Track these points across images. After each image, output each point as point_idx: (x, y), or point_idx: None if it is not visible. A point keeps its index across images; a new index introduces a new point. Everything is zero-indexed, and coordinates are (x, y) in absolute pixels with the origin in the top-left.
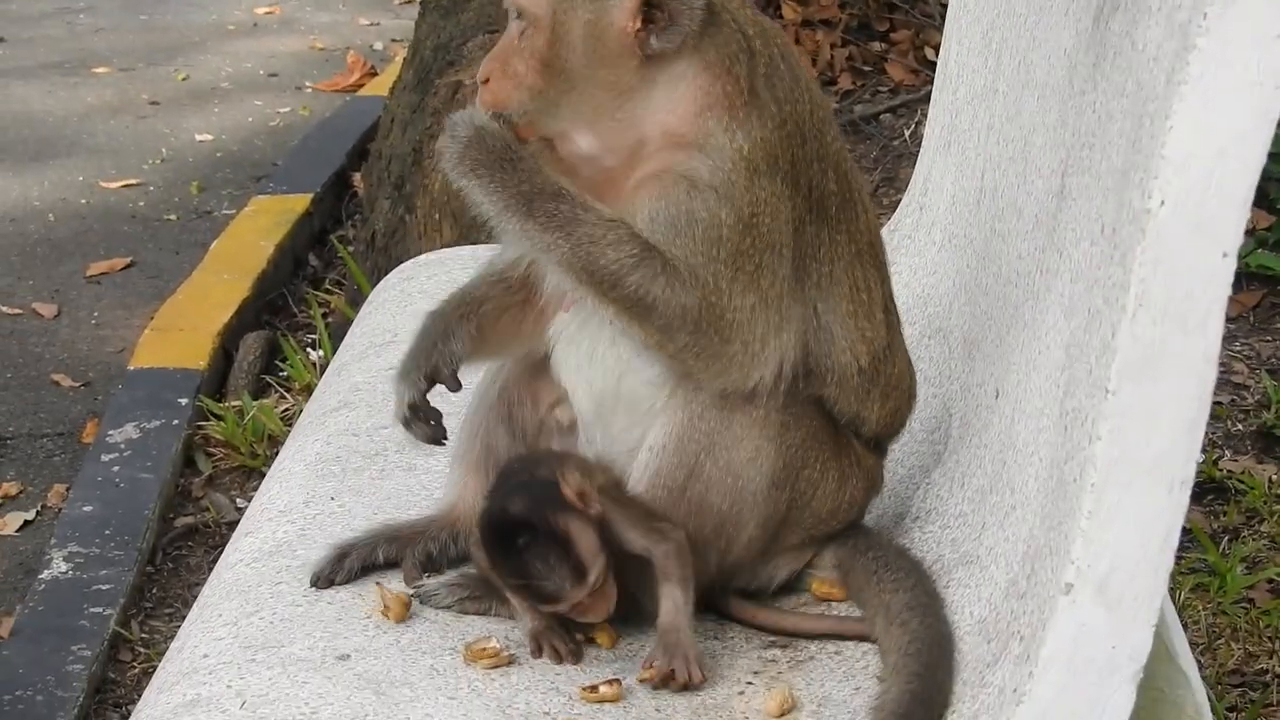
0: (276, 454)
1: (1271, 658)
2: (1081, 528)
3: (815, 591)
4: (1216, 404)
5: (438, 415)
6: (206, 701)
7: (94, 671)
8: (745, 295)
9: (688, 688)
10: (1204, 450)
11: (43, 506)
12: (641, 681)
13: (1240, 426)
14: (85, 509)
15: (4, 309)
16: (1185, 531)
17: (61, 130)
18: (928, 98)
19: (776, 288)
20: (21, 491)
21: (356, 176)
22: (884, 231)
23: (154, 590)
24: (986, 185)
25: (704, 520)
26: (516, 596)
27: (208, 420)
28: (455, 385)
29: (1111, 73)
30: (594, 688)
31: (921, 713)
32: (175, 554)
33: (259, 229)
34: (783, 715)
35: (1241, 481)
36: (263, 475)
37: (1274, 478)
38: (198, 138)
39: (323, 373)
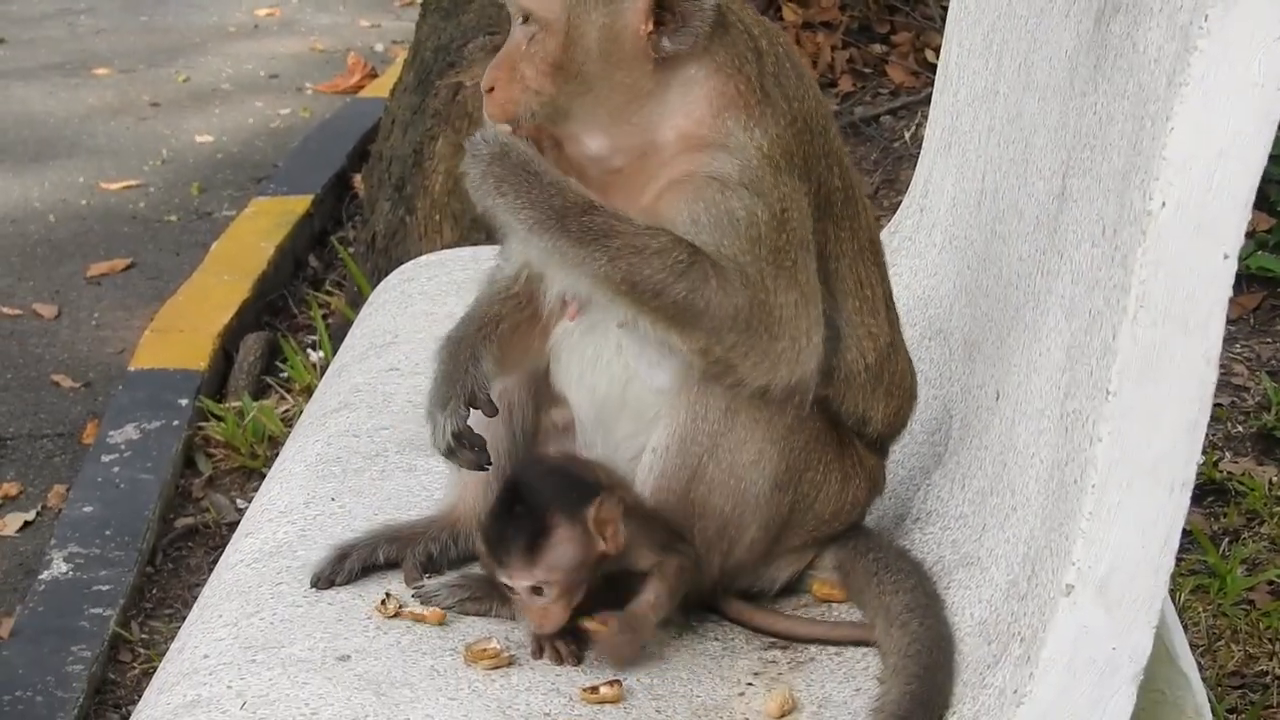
0: (277, 455)
1: (1272, 659)
2: (1082, 529)
3: (816, 593)
4: (1217, 406)
5: (482, 442)
6: (207, 702)
7: (94, 672)
8: (789, 291)
9: (619, 664)
10: (1204, 452)
11: (43, 507)
12: (585, 628)
13: (1240, 428)
14: (85, 510)
15: (4, 309)
16: (1185, 533)
17: (62, 131)
18: (928, 100)
19: (812, 283)
20: (21, 492)
21: (357, 178)
22: (885, 234)
23: (154, 591)
24: (987, 187)
25: (707, 522)
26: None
27: (208, 421)
28: (492, 409)
29: (1112, 74)
30: (594, 688)
31: (921, 714)
32: (175, 555)
33: (259, 230)
34: (783, 716)
35: (1242, 483)
36: (263, 476)
37: (1274, 480)
38: (198, 139)
39: (323, 374)
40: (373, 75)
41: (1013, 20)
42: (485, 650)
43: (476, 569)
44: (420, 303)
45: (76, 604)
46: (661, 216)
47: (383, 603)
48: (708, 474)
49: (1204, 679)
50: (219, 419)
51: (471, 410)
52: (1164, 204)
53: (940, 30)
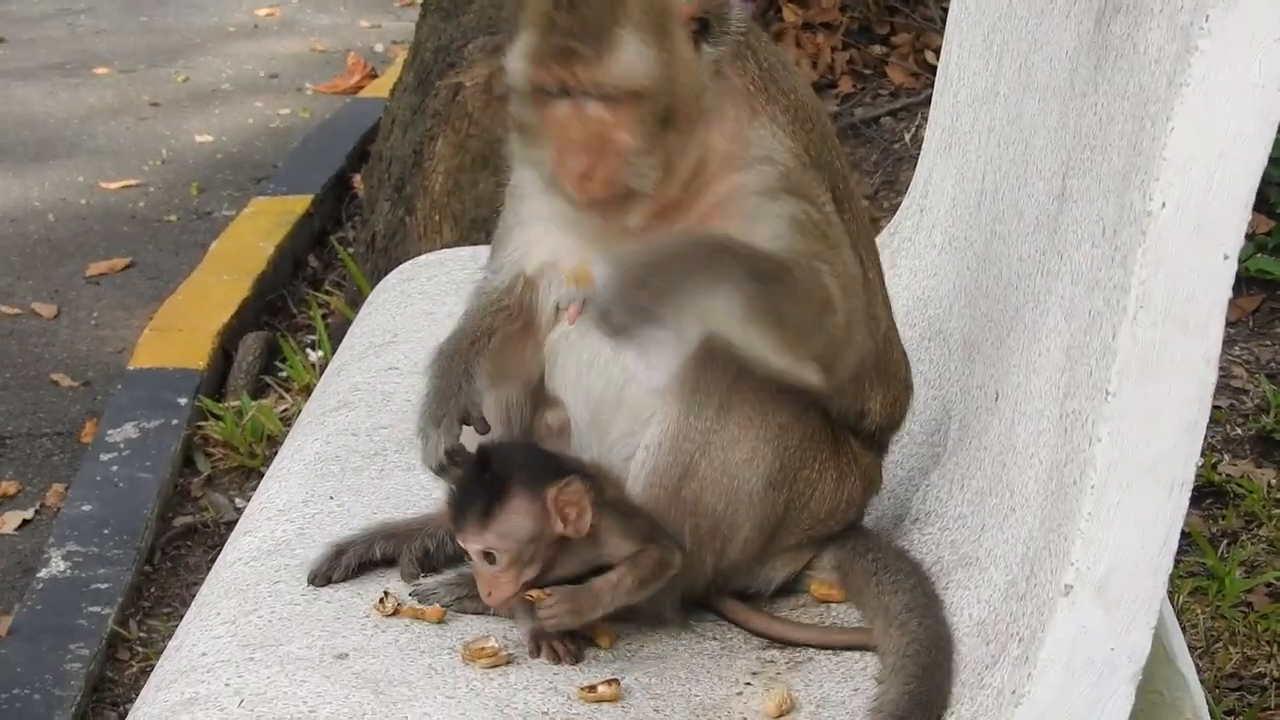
0: (275, 454)
1: (1269, 661)
2: (1081, 529)
3: (814, 593)
4: (1215, 408)
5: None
6: (205, 700)
7: (92, 670)
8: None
9: (547, 626)
10: (1203, 454)
11: (41, 505)
12: (529, 597)
13: (1239, 431)
14: (84, 508)
15: (4, 309)
16: (1184, 535)
17: (62, 131)
18: (928, 101)
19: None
20: (20, 490)
21: (356, 178)
22: (884, 234)
23: (152, 589)
24: (987, 188)
25: (699, 520)
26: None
27: (207, 420)
28: (485, 427)
29: (1113, 75)
30: (592, 687)
31: (920, 714)
32: (174, 553)
33: (259, 230)
34: (781, 716)
35: (1240, 485)
36: (261, 475)
37: (1273, 482)
38: (198, 139)
39: (322, 373)
40: (373, 75)
41: (1013, 21)
42: (483, 649)
43: None
44: (420, 302)
45: (75, 602)
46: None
47: (381, 601)
48: (700, 471)
49: (1202, 680)
50: (218, 418)
51: (464, 428)
52: (1164, 204)
53: (940, 31)
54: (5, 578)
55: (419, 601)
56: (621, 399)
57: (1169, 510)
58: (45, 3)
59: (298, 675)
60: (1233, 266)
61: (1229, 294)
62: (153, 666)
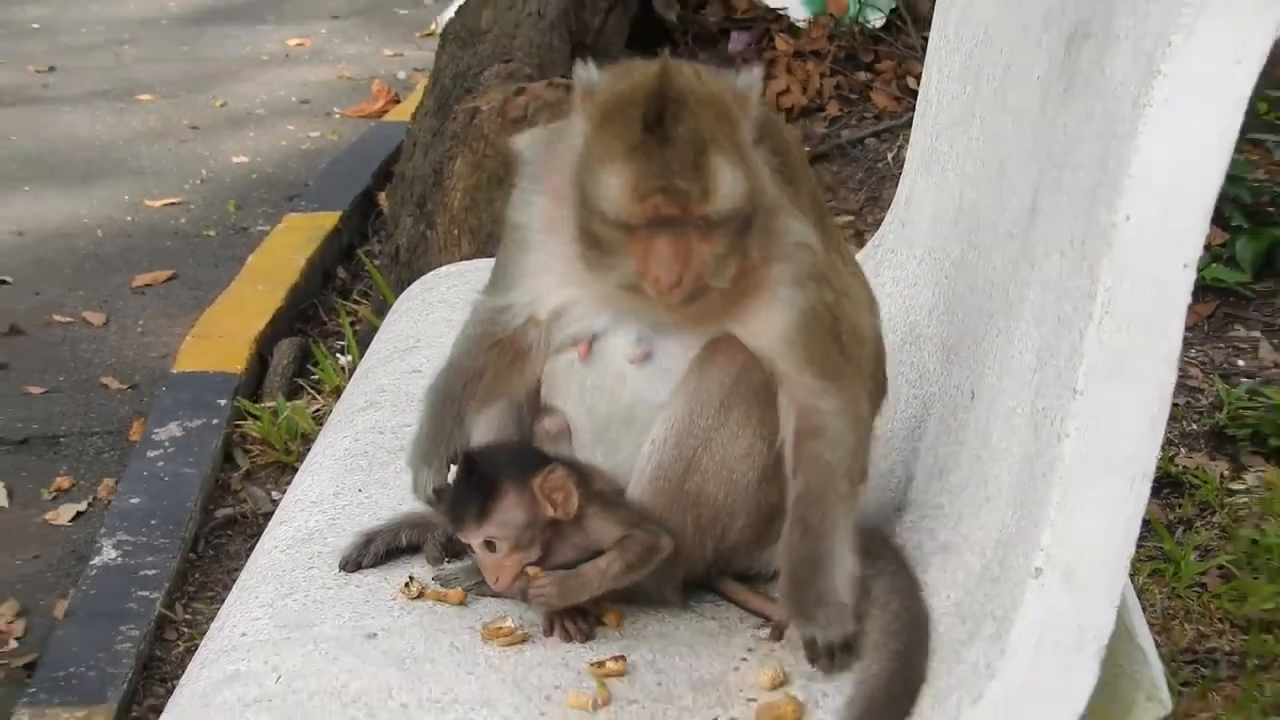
0: (308, 450)
1: (1221, 638)
2: (1050, 518)
3: None
4: (1173, 406)
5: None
6: (245, 676)
7: (141, 650)
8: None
9: (538, 604)
10: (1162, 448)
11: (93, 499)
12: (528, 574)
13: (1195, 426)
14: (133, 501)
15: (57, 317)
16: (1144, 522)
17: (109, 153)
18: (909, 123)
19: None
20: (74, 485)
21: (381, 196)
22: (869, 246)
23: (196, 575)
24: (964, 203)
25: (701, 510)
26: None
27: (245, 420)
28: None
29: (1081, 98)
30: (601, 663)
31: (901, 686)
32: (216, 542)
33: (292, 244)
34: (774, 688)
35: (1195, 477)
36: (296, 470)
37: (1225, 474)
38: (235, 160)
39: (351, 376)
40: (396, 101)
41: (989, 48)
42: (501, 628)
43: None
44: (440, 310)
45: (125, 588)
46: (751, 323)
47: (406, 585)
48: (702, 465)
49: (1160, 655)
50: (255, 418)
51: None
52: (1128, 218)
53: (921, 59)
54: (61, 565)
55: (442, 585)
56: (631, 418)
57: (1131, 500)
58: (93, 33)
59: (330, 653)
60: (1192, 275)
61: (1188, 300)
62: (197, 646)
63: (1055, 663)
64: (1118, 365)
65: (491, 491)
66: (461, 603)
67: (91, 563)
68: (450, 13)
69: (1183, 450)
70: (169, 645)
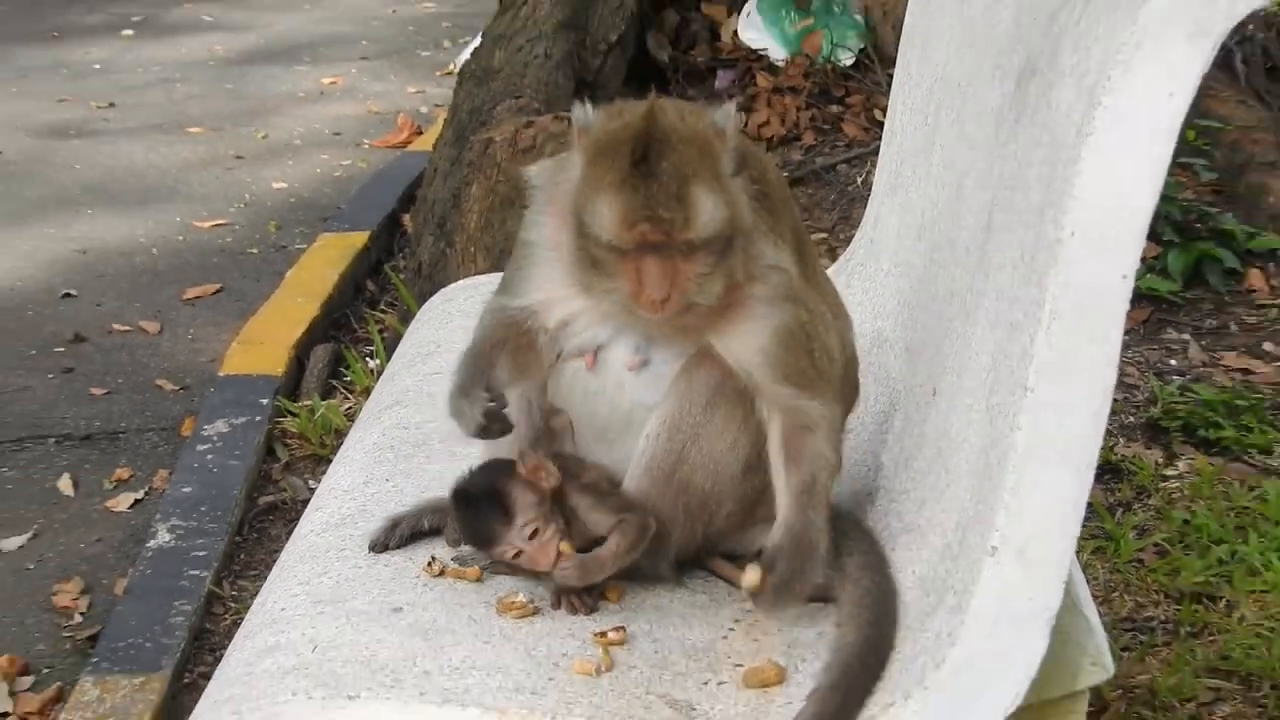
0: (341, 444)
1: (1157, 608)
2: (1004, 501)
3: None
4: (1113, 401)
5: (504, 413)
6: (284, 646)
7: (193, 623)
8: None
9: (566, 583)
10: (1103, 438)
11: (149, 488)
12: (562, 551)
13: (1132, 419)
14: (184, 490)
15: (116, 326)
16: (1088, 505)
17: (162, 180)
18: (876, 151)
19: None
20: (132, 476)
21: (406, 217)
22: (840, 261)
23: (241, 556)
24: (926, 221)
25: (690, 497)
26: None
27: (284, 417)
28: (505, 401)
29: (1030, 127)
30: (604, 633)
31: (872, 652)
32: (259, 526)
33: (326, 260)
34: (758, 655)
35: (1133, 464)
36: (330, 461)
37: (1159, 461)
38: (275, 186)
39: (379, 377)
40: (419, 132)
41: (947, 84)
42: (514, 602)
43: None
44: (459, 319)
45: (178, 568)
46: (731, 338)
47: (429, 564)
48: (690, 457)
49: (1103, 623)
50: (294, 415)
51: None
52: (1073, 233)
53: (886, 94)
54: (121, 548)
55: (460, 564)
56: (630, 420)
57: (1077, 485)
58: (148, 73)
59: (360, 625)
60: (1130, 284)
61: (1126, 307)
62: (242, 619)
63: (1010, 631)
64: (1064, 365)
65: (498, 498)
66: (478, 580)
67: (148, 545)
68: (467, 54)
69: (1122, 440)
70: (217, 619)
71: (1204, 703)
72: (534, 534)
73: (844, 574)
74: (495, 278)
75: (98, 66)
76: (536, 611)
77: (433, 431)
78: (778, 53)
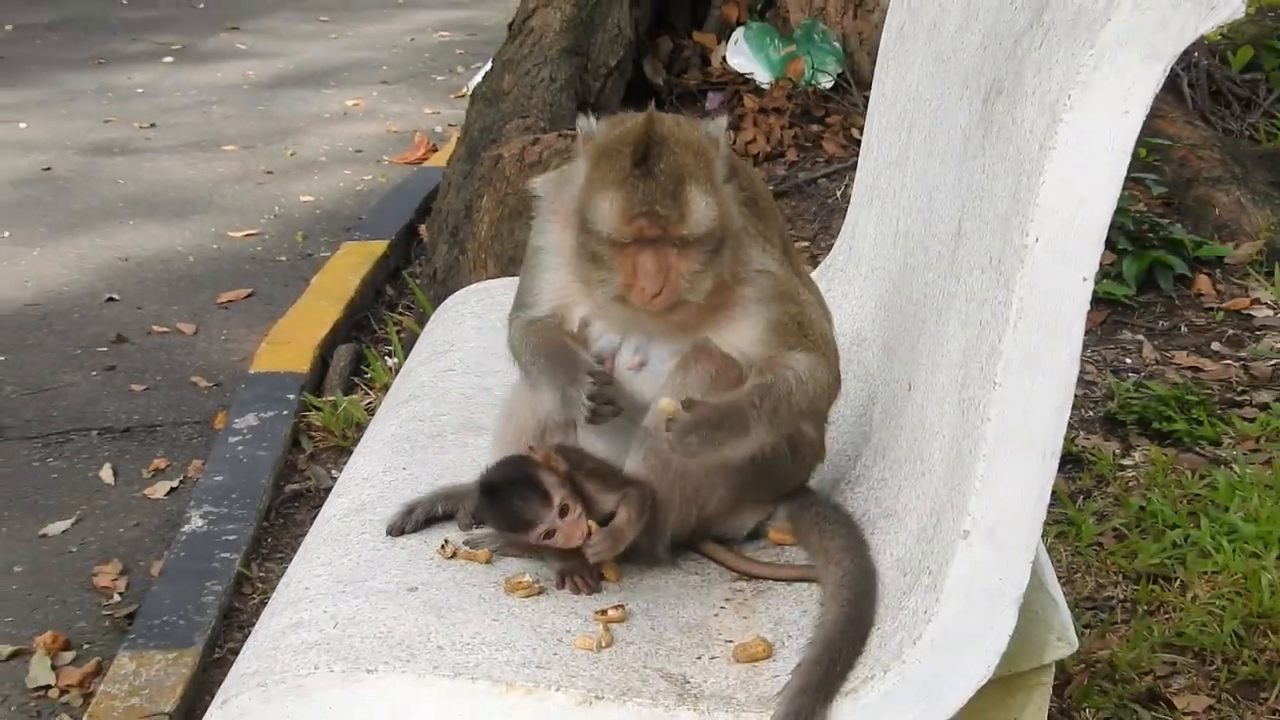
0: (361, 436)
1: (1116, 588)
2: (975, 488)
3: (772, 537)
4: (1075, 395)
5: (611, 395)
6: (308, 623)
7: (223, 602)
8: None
9: (599, 557)
10: (1066, 430)
11: (184, 477)
12: (590, 529)
13: (1091, 413)
14: (217, 479)
15: (156, 328)
16: (1052, 492)
17: (199, 193)
18: (854, 165)
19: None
20: (168, 465)
21: (422, 227)
22: (821, 267)
23: (269, 540)
24: (900, 230)
25: (685, 484)
26: (506, 536)
27: (310, 411)
28: (608, 374)
29: (996, 142)
30: (604, 611)
31: (853, 629)
32: (285, 512)
33: (349, 266)
34: (748, 632)
35: (1092, 455)
36: (351, 452)
37: (1116, 452)
38: (302, 199)
39: (397, 374)
40: (434, 149)
41: (919, 103)
42: (521, 582)
43: None
44: (471, 320)
45: (210, 550)
46: (728, 331)
47: (442, 546)
48: None
49: (1067, 602)
50: (318, 409)
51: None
52: (1037, 240)
53: (863, 113)
54: (157, 532)
55: (471, 547)
56: (631, 415)
57: (1042, 473)
58: (186, 96)
59: (379, 604)
60: (1090, 287)
61: (1087, 308)
62: (269, 598)
63: (981, 608)
64: (1030, 361)
65: (529, 484)
66: (488, 561)
67: (182, 530)
68: (478, 78)
69: (1082, 433)
70: (246, 598)
71: (1160, 675)
72: (565, 511)
73: (827, 556)
74: (504, 282)
75: (140, 90)
76: (542, 591)
77: (446, 424)
78: (763, 77)
